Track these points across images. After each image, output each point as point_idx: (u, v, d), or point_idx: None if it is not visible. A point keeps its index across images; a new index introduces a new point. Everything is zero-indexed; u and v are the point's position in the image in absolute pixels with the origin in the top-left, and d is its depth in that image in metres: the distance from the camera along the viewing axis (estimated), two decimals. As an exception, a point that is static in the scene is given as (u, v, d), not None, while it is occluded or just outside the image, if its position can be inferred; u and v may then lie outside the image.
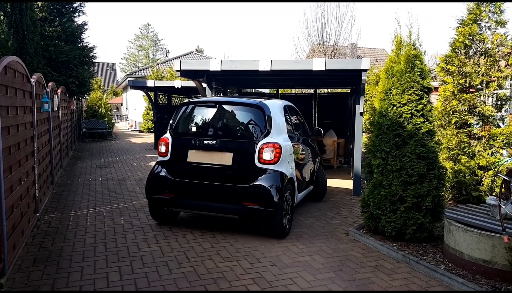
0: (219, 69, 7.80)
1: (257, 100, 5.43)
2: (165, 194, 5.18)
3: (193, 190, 5.09)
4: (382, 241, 4.87)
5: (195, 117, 5.59)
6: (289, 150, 5.32)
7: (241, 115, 5.37)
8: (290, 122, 5.94)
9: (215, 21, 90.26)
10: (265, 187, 4.85)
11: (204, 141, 5.14)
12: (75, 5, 14.01)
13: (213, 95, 8.97)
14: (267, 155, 4.93)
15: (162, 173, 5.28)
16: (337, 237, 5.23)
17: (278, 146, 4.99)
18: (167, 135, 5.44)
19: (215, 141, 5.10)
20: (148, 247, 4.70)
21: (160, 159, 5.40)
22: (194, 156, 5.18)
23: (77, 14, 14.12)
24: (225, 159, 5.02)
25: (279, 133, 5.26)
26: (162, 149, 5.37)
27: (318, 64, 7.18)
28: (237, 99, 5.63)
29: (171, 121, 5.55)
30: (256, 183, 4.87)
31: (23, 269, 4.03)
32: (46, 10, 12.81)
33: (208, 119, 5.44)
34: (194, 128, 5.48)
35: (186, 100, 5.87)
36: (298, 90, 16.37)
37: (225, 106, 5.44)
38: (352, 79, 9.19)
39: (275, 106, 5.54)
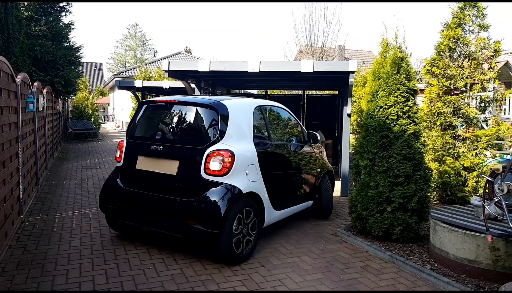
0: (208, 70, 7.79)
1: (213, 99, 4.76)
2: (115, 204, 4.70)
3: (141, 201, 4.52)
4: (369, 241, 4.91)
5: (149, 119, 5.04)
6: (250, 159, 4.51)
7: (193, 117, 4.66)
8: (265, 126, 5.10)
9: (204, 22, 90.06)
10: (208, 204, 4.12)
11: (151, 147, 4.55)
12: (61, 4, 13.83)
13: (202, 94, 8.92)
14: (215, 165, 4.19)
15: (115, 181, 4.79)
16: (325, 237, 5.26)
17: (230, 154, 4.22)
18: (125, 138, 5.01)
19: (161, 147, 4.50)
20: (135, 249, 4.65)
21: (117, 164, 4.94)
22: (142, 163, 4.64)
23: (63, 13, 13.94)
24: (171, 167, 4.38)
25: (240, 138, 4.52)
26: (117, 153, 4.91)
27: (306, 65, 7.23)
28: (190, 99, 4.94)
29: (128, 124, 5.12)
30: (199, 199, 4.16)
31: (6, 272, 3.95)
32: (32, 9, 12.62)
33: (159, 121, 4.93)
34: (144, 132, 4.93)
35: (146, 99, 5.54)
36: (287, 92, 16.42)
37: (177, 107, 4.80)
38: (339, 81, 9.26)
39: (238, 107, 4.79)
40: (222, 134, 4.35)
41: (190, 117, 4.68)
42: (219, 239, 4.10)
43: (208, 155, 4.24)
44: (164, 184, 4.43)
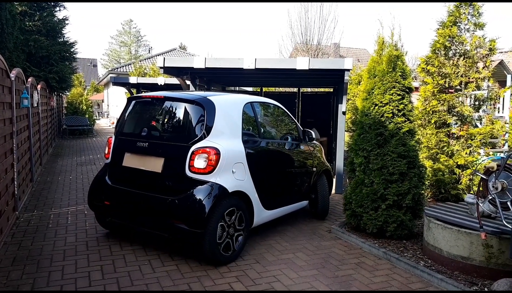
0: (203, 67, 7.77)
1: (200, 94, 4.64)
2: (103, 201, 4.63)
3: (127, 198, 4.46)
4: (363, 238, 4.95)
5: (136, 116, 4.94)
6: (237, 157, 4.40)
7: (179, 113, 4.53)
8: (256, 123, 5.01)
9: (199, 19, 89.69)
10: (192, 203, 4.04)
11: (137, 144, 4.49)
12: (55, -1, 13.71)
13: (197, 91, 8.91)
14: (200, 163, 4.09)
15: (103, 178, 4.75)
16: (320, 234, 5.29)
17: (215, 152, 4.11)
18: (113, 135, 4.97)
19: (147, 144, 4.43)
20: (130, 245, 4.65)
21: (106, 161, 4.91)
22: (128, 160, 4.57)
23: (58, 8, 13.81)
24: (156, 165, 4.29)
25: (227, 135, 4.40)
26: (106, 150, 4.89)
27: (302, 63, 7.23)
28: (177, 95, 4.75)
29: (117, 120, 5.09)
30: (184, 197, 4.07)
31: (2, 268, 3.94)
32: (26, 4, 12.50)
33: (145, 118, 4.82)
34: (132, 128, 4.85)
35: (133, 95, 5.37)
36: (282, 89, 16.44)
37: (163, 103, 4.68)
38: (334, 79, 9.28)
39: (226, 103, 4.67)
40: (208, 131, 4.23)
41: (176, 113, 4.57)
42: (203, 238, 4.00)
43: (192, 152, 4.12)
44: (149, 181, 4.37)
